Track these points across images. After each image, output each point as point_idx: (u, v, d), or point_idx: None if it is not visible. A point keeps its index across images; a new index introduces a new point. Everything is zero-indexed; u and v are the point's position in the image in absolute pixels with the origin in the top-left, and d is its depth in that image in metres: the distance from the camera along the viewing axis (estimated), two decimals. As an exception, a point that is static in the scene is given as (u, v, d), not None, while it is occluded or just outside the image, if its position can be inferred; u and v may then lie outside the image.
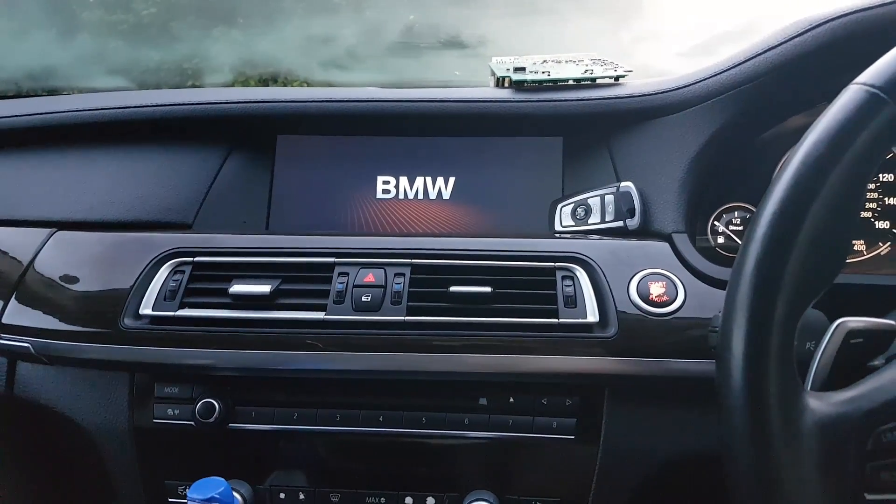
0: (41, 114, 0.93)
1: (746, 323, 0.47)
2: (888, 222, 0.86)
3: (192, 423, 0.75)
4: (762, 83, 0.80)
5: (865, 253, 0.86)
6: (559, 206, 0.89)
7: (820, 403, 0.49)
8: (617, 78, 0.91)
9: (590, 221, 0.86)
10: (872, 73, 0.48)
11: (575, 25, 1.33)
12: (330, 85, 1.32)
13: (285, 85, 1.40)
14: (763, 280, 0.47)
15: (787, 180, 0.48)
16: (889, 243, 0.86)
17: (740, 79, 0.81)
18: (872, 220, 0.87)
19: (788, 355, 0.48)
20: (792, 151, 0.49)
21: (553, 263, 0.77)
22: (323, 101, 0.91)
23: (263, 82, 1.42)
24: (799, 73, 0.79)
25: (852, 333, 0.54)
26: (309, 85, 1.35)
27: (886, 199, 0.86)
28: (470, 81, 1.16)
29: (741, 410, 0.48)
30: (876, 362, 0.56)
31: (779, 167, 0.87)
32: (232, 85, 1.42)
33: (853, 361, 0.54)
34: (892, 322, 0.55)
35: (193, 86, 1.45)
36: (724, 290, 0.71)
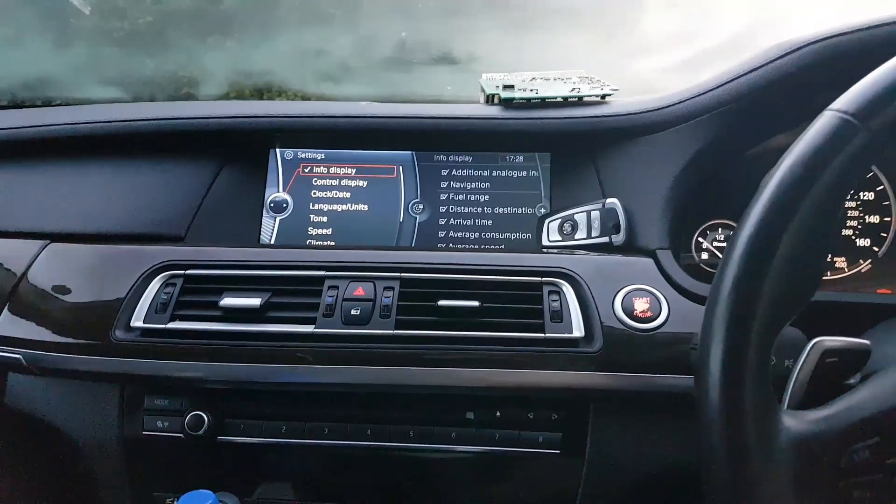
0: (35, 126, 0.93)
1: (723, 342, 0.49)
2: (869, 240, 0.88)
3: (181, 435, 0.76)
4: (744, 103, 0.82)
5: (846, 270, 0.88)
6: (546, 221, 0.90)
7: (795, 421, 0.50)
8: (603, 96, 0.93)
9: (576, 237, 0.87)
10: (846, 100, 0.50)
11: (564, 41, 1.35)
12: (323, 97, 1.33)
13: (279, 93, 1.41)
14: (739, 300, 0.49)
15: (763, 203, 0.50)
16: (870, 261, 0.88)
17: (723, 99, 0.83)
18: (853, 237, 0.88)
19: (765, 373, 0.49)
20: (768, 175, 0.51)
21: (540, 278, 0.78)
22: (315, 117, 0.92)
23: (258, 92, 1.43)
24: (781, 93, 0.81)
25: (828, 353, 0.55)
26: (303, 96, 1.36)
27: (867, 217, 0.88)
28: (460, 96, 1.18)
29: (718, 427, 0.49)
30: (851, 381, 0.57)
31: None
32: (227, 94, 1.42)
33: (829, 380, 0.56)
34: (866, 342, 0.57)
35: (188, 93, 1.45)
36: (707, 307, 0.74)
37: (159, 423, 0.77)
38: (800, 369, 0.56)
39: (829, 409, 0.51)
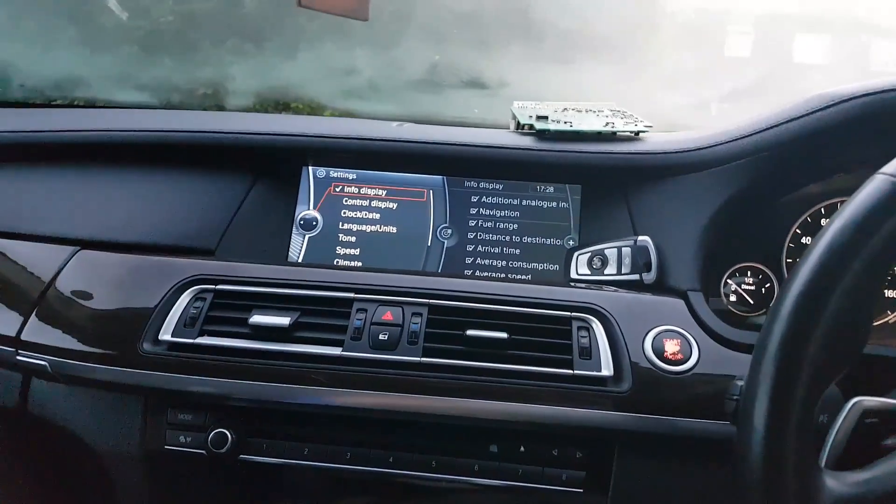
0: (72, 131, 0.93)
1: (769, 400, 0.49)
2: None
3: (203, 451, 0.76)
4: (782, 151, 0.82)
5: (874, 321, 0.88)
6: (576, 254, 0.90)
7: (836, 483, 0.50)
8: (637, 133, 0.93)
9: (606, 272, 0.87)
10: None
11: (591, 74, 1.37)
12: (349, 113, 1.34)
13: (295, 102, 1.41)
14: (787, 358, 0.49)
15: (812, 263, 0.50)
16: (897, 312, 0.88)
17: (761, 145, 0.82)
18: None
19: (808, 433, 0.50)
20: (819, 234, 0.51)
21: (570, 313, 0.78)
22: (349, 138, 0.92)
23: (276, 103, 1.43)
24: (819, 144, 0.81)
25: (868, 413, 0.55)
26: (322, 109, 1.37)
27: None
28: (486, 119, 1.19)
29: (760, 484, 0.49)
30: (889, 442, 0.57)
31: (788, 235, 0.89)
32: (246, 104, 1.43)
33: (867, 440, 0.56)
34: None
35: (205, 94, 1.46)
36: (738, 350, 0.74)
37: (182, 439, 0.77)
38: (839, 428, 0.55)
39: (870, 472, 0.51)
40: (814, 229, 0.89)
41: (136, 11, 1.48)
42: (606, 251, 0.88)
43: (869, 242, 0.49)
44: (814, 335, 0.49)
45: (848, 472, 0.52)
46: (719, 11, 1.60)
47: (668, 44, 1.51)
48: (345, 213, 0.95)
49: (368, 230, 0.95)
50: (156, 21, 1.55)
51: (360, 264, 0.94)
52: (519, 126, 0.98)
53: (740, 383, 0.54)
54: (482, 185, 0.96)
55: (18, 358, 0.78)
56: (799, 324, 0.49)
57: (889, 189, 0.50)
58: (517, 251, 0.94)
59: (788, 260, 0.89)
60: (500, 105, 1.07)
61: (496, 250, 0.94)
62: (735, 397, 0.56)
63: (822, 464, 0.55)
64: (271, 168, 0.95)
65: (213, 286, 0.80)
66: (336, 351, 0.75)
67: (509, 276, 0.93)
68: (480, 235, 0.95)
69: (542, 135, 0.94)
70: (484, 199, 0.96)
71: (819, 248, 0.50)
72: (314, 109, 1.38)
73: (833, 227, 0.50)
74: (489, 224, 0.95)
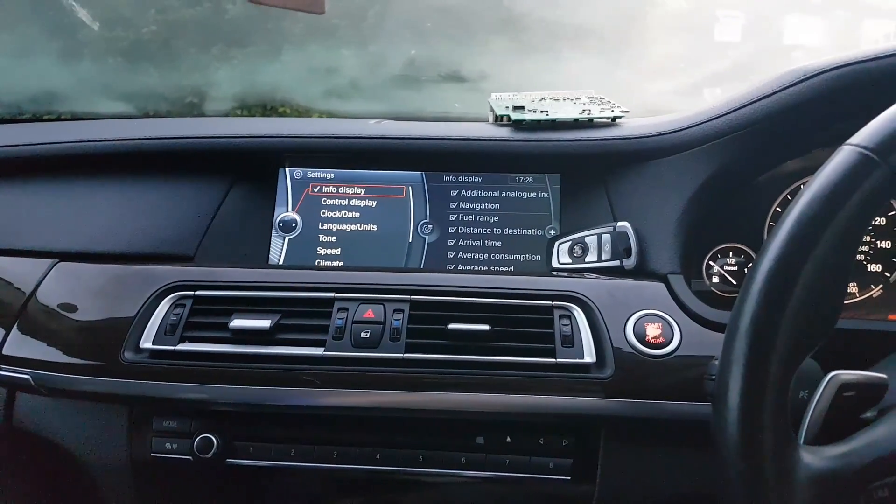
0: (45, 143, 0.93)
1: (742, 378, 0.48)
2: (880, 265, 0.88)
3: (189, 457, 0.75)
4: (757, 129, 0.81)
5: (857, 295, 0.88)
6: (557, 243, 0.90)
7: (813, 458, 0.50)
8: (614, 118, 0.93)
9: (587, 260, 0.87)
10: (865, 135, 0.50)
11: (571, 62, 1.36)
12: (331, 114, 1.33)
13: (282, 105, 1.41)
14: (758, 335, 0.49)
15: (781, 238, 0.49)
16: (881, 286, 0.88)
17: (736, 124, 0.82)
18: (865, 263, 0.88)
19: (783, 409, 0.49)
20: (787, 209, 0.51)
21: (551, 302, 0.78)
22: (325, 137, 0.92)
23: (263, 107, 1.43)
24: (794, 120, 0.80)
25: (845, 387, 0.55)
26: (308, 111, 1.36)
27: (879, 242, 0.88)
28: (468, 113, 1.18)
29: (736, 463, 0.49)
30: (868, 415, 0.57)
31: (769, 214, 0.89)
32: (232, 109, 1.43)
33: (846, 414, 0.55)
34: (883, 376, 0.56)
35: (191, 103, 1.46)
36: (720, 331, 0.74)
37: (168, 445, 0.77)
38: (816, 403, 0.55)
39: (847, 446, 0.51)
40: (794, 207, 0.88)
41: (106, 23, 1.48)
42: (586, 239, 0.87)
43: (838, 214, 0.49)
44: (785, 311, 0.48)
45: (825, 446, 0.51)
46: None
47: (656, 30, 1.51)
48: (324, 213, 0.95)
49: (349, 229, 0.95)
50: (123, 33, 1.54)
51: (341, 264, 0.93)
52: (497, 118, 0.98)
53: (717, 363, 0.53)
54: (461, 178, 0.96)
55: (0, 373, 0.78)
56: (769, 300, 0.49)
57: (856, 159, 0.49)
58: (499, 243, 0.94)
59: None
60: (482, 99, 1.07)
61: (477, 243, 0.94)
62: (712, 377, 0.55)
63: (801, 440, 0.55)
64: (248, 171, 0.95)
65: (192, 292, 0.79)
66: (318, 351, 0.75)
67: (491, 268, 0.93)
68: (461, 229, 0.95)
69: (519, 125, 0.93)
70: (464, 192, 0.96)
71: (788, 222, 0.50)
72: (301, 113, 1.38)
73: (801, 201, 0.50)
74: (470, 217, 0.95)
